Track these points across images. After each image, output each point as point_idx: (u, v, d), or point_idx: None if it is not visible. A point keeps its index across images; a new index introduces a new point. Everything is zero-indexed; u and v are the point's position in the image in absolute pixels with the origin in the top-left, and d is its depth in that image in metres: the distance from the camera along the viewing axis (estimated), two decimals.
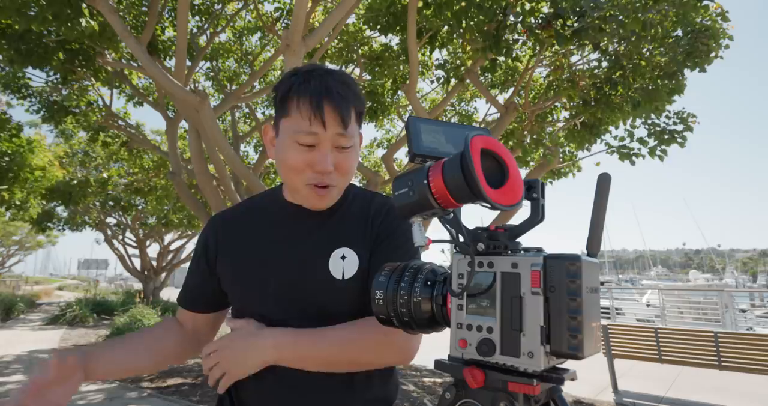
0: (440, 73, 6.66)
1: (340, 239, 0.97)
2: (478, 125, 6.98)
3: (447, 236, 0.63)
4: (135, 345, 1.02)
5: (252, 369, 0.91)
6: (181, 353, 1.08)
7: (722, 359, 4.46)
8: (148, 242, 15.88)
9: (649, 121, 5.26)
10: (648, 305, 12.82)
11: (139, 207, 13.83)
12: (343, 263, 0.95)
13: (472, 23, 4.45)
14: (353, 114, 0.92)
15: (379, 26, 5.35)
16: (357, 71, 7.13)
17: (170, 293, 18.93)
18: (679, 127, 5.14)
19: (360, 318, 0.94)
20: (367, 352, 0.92)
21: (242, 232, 1.02)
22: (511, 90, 6.60)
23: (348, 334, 0.91)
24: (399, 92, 7.10)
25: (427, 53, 6.35)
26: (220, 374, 0.92)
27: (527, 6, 4.39)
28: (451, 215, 0.61)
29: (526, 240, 0.61)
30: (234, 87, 7.90)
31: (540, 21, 4.20)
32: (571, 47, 4.66)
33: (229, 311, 1.10)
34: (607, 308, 11.27)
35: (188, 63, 5.71)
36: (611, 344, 5.15)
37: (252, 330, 0.92)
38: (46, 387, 0.85)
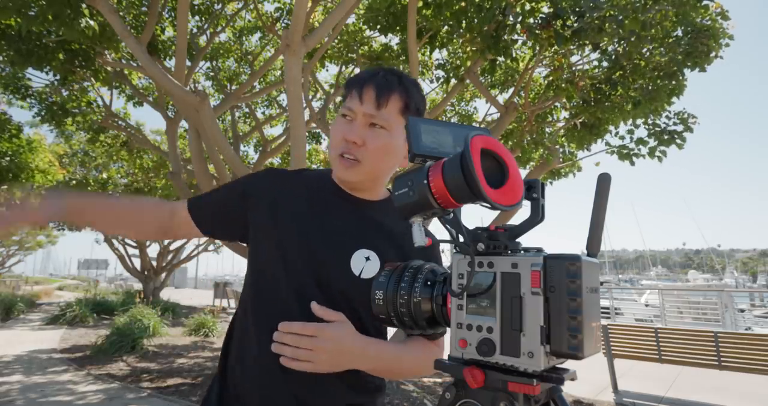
0: (440, 73, 6.66)
1: (369, 239, 1.02)
2: (478, 125, 6.98)
3: (447, 236, 0.63)
4: (117, 208, 1.11)
5: (338, 369, 0.91)
6: (142, 232, 1.16)
7: (722, 359, 4.46)
8: (148, 242, 15.87)
9: (649, 122, 5.26)
10: (647, 305, 12.82)
11: None
12: (365, 264, 1.00)
13: (471, 23, 4.45)
14: (395, 100, 0.99)
15: (379, 26, 5.34)
16: (357, 71, 7.13)
17: (170, 293, 18.92)
18: (679, 128, 5.14)
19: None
20: (423, 370, 1.02)
21: (288, 196, 1.05)
22: (511, 90, 6.60)
23: (419, 358, 0.99)
24: None
25: (427, 53, 6.35)
26: (306, 361, 0.89)
27: (527, 6, 4.39)
28: (451, 215, 0.61)
29: (526, 240, 0.61)
30: (234, 87, 7.90)
31: (539, 21, 4.20)
32: (571, 47, 4.66)
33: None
34: (607, 308, 11.27)
35: (188, 63, 5.70)
36: (611, 344, 5.15)
37: (353, 332, 0.92)
38: None
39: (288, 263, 0.98)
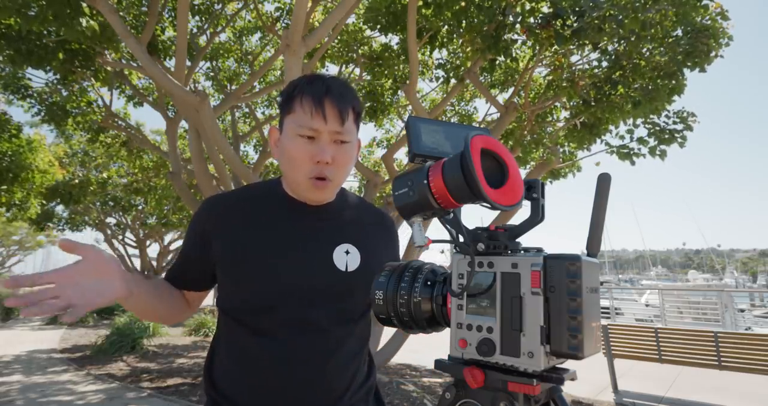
0: (440, 73, 6.66)
1: (342, 235, 1.05)
2: (478, 125, 6.98)
3: (447, 236, 0.63)
4: (160, 290, 1.04)
5: (103, 304, 0.82)
6: (178, 314, 1.09)
7: (722, 359, 4.46)
8: (148, 242, 15.88)
9: (649, 121, 5.26)
10: (647, 305, 12.82)
11: (139, 207, 13.83)
12: (347, 257, 1.02)
13: (471, 23, 4.45)
14: (351, 113, 0.99)
15: (379, 26, 5.34)
16: (357, 71, 7.13)
17: None
18: (679, 127, 5.14)
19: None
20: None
21: (242, 219, 1.03)
22: (511, 90, 6.59)
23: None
24: (399, 92, 7.09)
25: (427, 53, 6.35)
26: (65, 305, 0.76)
27: (527, 6, 4.39)
28: (451, 215, 0.61)
29: (526, 240, 0.61)
30: (234, 87, 7.89)
31: (539, 21, 4.20)
32: (571, 47, 4.65)
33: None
34: (607, 308, 11.27)
35: (188, 63, 5.70)
36: (611, 344, 5.15)
37: (103, 267, 0.82)
38: (81, 275, 0.78)
39: (271, 279, 0.97)
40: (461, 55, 6.03)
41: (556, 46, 4.53)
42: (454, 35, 5.14)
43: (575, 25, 3.99)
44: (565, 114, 6.47)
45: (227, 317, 1.03)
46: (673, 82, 4.63)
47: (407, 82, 5.45)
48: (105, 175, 11.95)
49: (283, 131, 1.01)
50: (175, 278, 1.09)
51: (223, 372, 1.01)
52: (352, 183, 10.76)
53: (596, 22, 3.86)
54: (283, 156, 1.00)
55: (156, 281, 1.05)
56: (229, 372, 1.00)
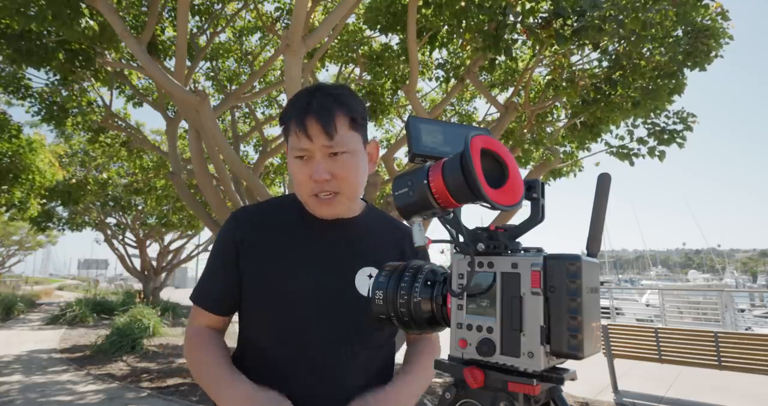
0: (440, 73, 6.66)
1: (367, 256, 1.02)
2: (478, 125, 6.97)
3: (447, 236, 0.63)
4: (227, 353, 1.02)
5: None
6: None
7: (722, 359, 4.46)
8: (148, 242, 15.87)
9: (649, 121, 5.26)
10: (647, 305, 12.82)
11: (139, 207, 13.83)
12: (370, 281, 0.99)
13: (472, 23, 4.45)
14: (342, 122, 0.95)
15: (379, 26, 5.34)
16: (357, 71, 7.13)
17: (170, 293, 18.91)
18: (679, 127, 5.14)
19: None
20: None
21: (269, 236, 1.01)
22: (511, 90, 6.59)
23: (422, 381, 1.06)
24: (399, 92, 7.10)
25: (427, 53, 6.35)
26: None
27: (527, 5, 4.39)
28: (451, 215, 0.61)
29: (526, 240, 0.61)
30: (234, 87, 7.89)
31: (540, 20, 4.20)
32: (571, 47, 4.65)
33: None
34: (607, 308, 11.27)
35: (188, 63, 5.70)
36: (611, 344, 5.15)
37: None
38: None
39: (294, 298, 0.96)
40: (461, 55, 6.03)
41: (556, 46, 4.53)
42: (454, 35, 5.14)
43: (575, 24, 4.00)
44: (565, 114, 6.47)
45: (244, 339, 1.03)
46: (673, 82, 4.63)
47: (407, 82, 5.45)
48: (105, 175, 11.94)
49: (287, 154, 1.02)
50: (217, 300, 1.03)
51: None
52: None
53: (596, 21, 3.86)
54: (291, 179, 1.01)
55: (222, 352, 1.01)
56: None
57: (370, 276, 1.00)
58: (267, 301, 0.98)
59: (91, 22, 4.79)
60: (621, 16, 3.81)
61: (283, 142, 7.99)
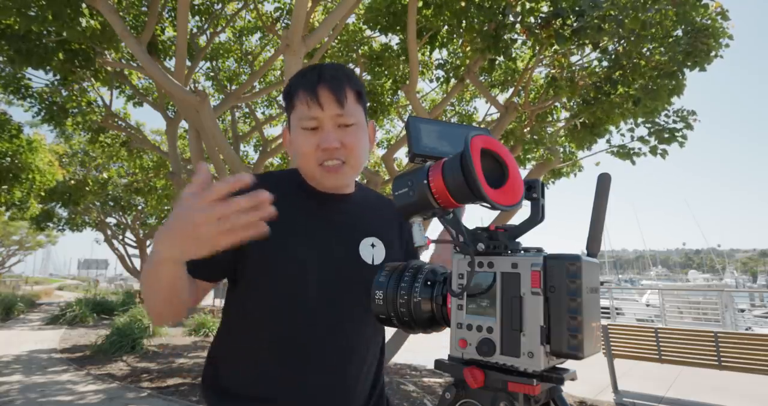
0: (440, 73, 6.66)
1: (367, 228, 1.04)
2: (478, 125, 6.97)
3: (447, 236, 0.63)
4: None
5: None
6: (184, 308, 0.94)
7: (722, 359, 4.46)
8: (148, 242, 15.87)
9: (649, 120, 5.26)
10: (648, 305, 12.82)
11: (139, 207, 13.83)
12: (373, 251, 1.02)
13: (471, 23, 4.45)
14: (350, 94, 0.97)
15: (379, 26, 5.34)
16: (357, 71, 7.12)
17: None
18: (680, 126, 5.13)
19: None
20: None
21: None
22: (511, 90, 6.59)
23: None
24: (399, 92, 7.10)
25: (427, 53, 6.35)
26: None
27: (527, 6, 4.39)
28: (451, 215, 0.61)
29: (526, 240, 0.61)
30: (234, 87, 7.89)
31: (539, 21, 4.20)
32: (571, 47, 4.65)
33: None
34: (607, 308, 11.27)
35: (188, 63, 5.70)
36: (611, 344, 5.15)
37: None
38: None
39: (300, 269, 0.95)
40: (461, 55, 6.03)
41: (556, 46, 4.53)
42: (454, 35, 5.14)
43: (575, 24, 3.99)
44: (565, 114, 6.47)
45: (245, 317, 0.99)
46: (673, 82, 4.63)
47: (407, 82, 5.45)
48: (105, 175, 11.95)
49: (291, 130, 1.02)
50: (192, 262, 0.94)
51: (237, 379, 0.98)
52: None
53: (596, 21, 3.86)
54: (294, 153, 1.01)
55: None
56: (250, 376, 0.97)
57: (373, 245, 1.02)
58: (272, 269, 0.95)
59: (91, 22, 4.79)
60: (621, 16, 3.81)
61: (282, 143, 7.98)
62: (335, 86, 0.95)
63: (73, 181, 10.47)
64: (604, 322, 6.24)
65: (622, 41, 4.51)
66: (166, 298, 0.85)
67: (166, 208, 12.64)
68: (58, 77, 5.90)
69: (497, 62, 5.37)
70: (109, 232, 15.27)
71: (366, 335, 1.00)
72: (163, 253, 0.73)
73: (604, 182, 0.60)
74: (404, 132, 4.86)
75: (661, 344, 4.84)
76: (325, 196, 1.03)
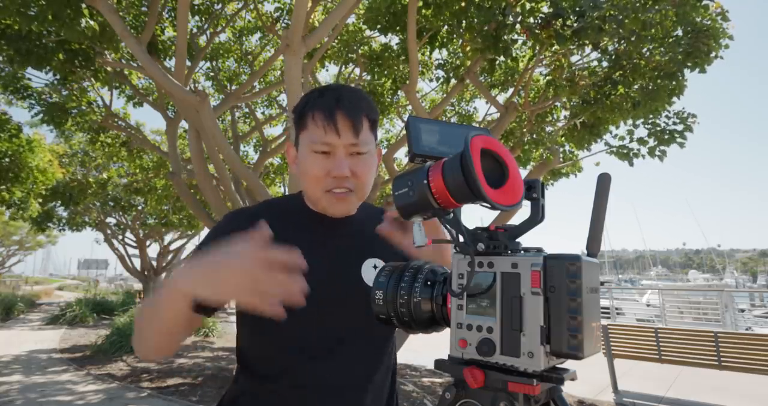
0: (440, 73, 6.66)
1: (369, 249, 1.02)
2: (478, 125, 6.98)
3: (447, 236, 0.63)
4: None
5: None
6: (177, 345, 0.96)
7: (722, 359, 4.46)
8: (148, 242, 15.88)
9: (649, 121, 5.26)
10: (648, 305, 12.83)
11: (139, 207, 13.83)
12: (375, 272, 0.98)
13: (471, 23, 4.45)
14: (366, 122, 0.96)
15: (379, 26, 5.34)
16: (357, 71, 7.13)
17: None
18: (679, 128, 5.14)
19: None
20: None
21: (276, 231, 0.99)
22: (511, 90, 6.59)
23: None
24: (399, 92, 7.10)
25: (427, 53, 6.35)
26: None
27: (527, 6, 4.39)
28: (451, 215, 0.61)
29: (526, 240, 0.61)
30: (234, 87, 7.89)
31: (540, 21, 4.20)
32: (571, 47, 4.65)
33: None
34: (607, 308, 11.27)
35: (188, 63, 5.70)
36: (611, 344, 5.15)
37: None
38: None
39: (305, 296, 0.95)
40: (461, 55, 6.03)
41: (556, 46, 4.53)
42: (454, 35, 5.14)
43: (575, 25, 3.99)
44: (565, 114, 6.47)
45: (251, 355, 1.00)
46: (673, 82, 4.63)
47: (407, 82, 5.45)
48: (105, 175, 11.94)
49: (299, 148, 0.99)
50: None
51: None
52: None
53: (596, 22, 3.86)
54: (301, 174, 0.98)
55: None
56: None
57: (375, 267, 1.01)
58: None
59: (91, 22, 4.79)
60: (621, 17, 3.81)
61: (282, 143, 7.98)
62: (353, 114, 0.93)
63: (74, 183, 10.46)
64: (604, 322, 6.24)
65: (623, 42, 4.51)
66: (170, 330, 0.86)
67: (166, 208, 12.65)
68: (58, 77, 5.91)
69: (497, 62, 5.37)
70: (109, 232, 15.27)
71: (369, 348, 0.99)
72: (187, 289, 0.75)
73: (604, 182, 0.60)
74: (404, 132, 4.87)
75: (661, 344, 4.84)
76: (328, 221, 1.02)
